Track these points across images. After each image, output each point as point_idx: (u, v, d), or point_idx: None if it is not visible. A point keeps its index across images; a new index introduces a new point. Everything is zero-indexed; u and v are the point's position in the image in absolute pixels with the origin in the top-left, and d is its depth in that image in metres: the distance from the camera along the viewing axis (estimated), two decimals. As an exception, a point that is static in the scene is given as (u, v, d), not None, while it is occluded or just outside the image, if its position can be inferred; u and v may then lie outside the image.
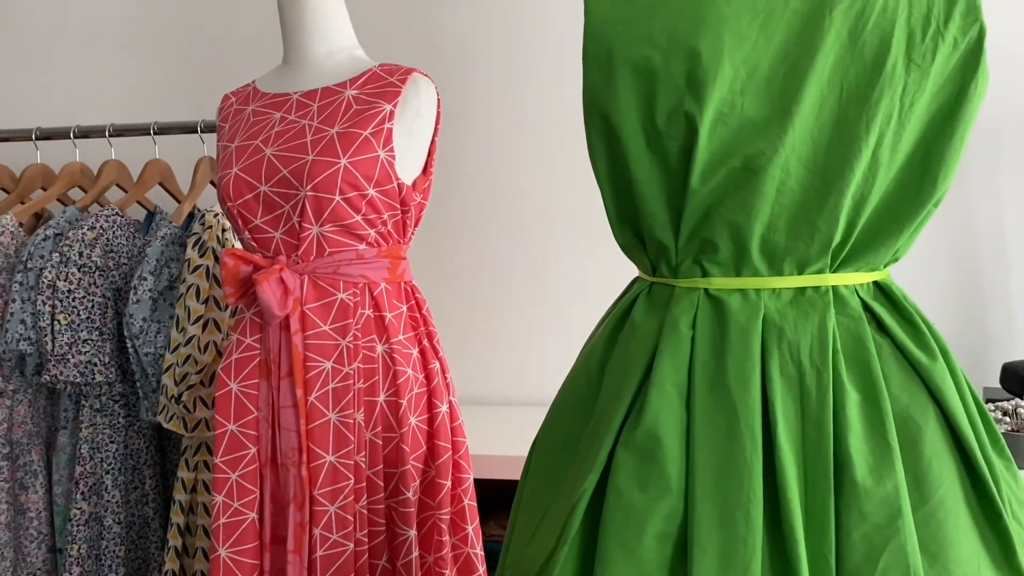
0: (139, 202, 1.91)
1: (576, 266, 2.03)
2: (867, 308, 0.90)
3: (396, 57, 1.80)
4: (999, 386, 1.81)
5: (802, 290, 0.90)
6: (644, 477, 0.86)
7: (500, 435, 1.78)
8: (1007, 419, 1.58)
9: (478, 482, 1.68)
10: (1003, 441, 0.96)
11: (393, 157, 1.34)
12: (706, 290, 0.91)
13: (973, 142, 1.93)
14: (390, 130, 1.33)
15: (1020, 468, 1.53)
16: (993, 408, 1.59)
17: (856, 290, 0.91)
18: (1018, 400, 1.59)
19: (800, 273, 0.90)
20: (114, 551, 1.72)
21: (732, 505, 0.83)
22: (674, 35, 0.87)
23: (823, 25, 0.86)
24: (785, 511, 0.83)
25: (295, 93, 1.41)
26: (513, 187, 2.06)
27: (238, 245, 1.62)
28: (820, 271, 0.90)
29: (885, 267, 0.93)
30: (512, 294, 2.08)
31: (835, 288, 0.90)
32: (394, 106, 1.35)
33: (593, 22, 0.91)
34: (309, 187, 1.30)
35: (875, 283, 0.92)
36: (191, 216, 1.78)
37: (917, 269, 1.96)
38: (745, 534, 0.82)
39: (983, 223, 1.95)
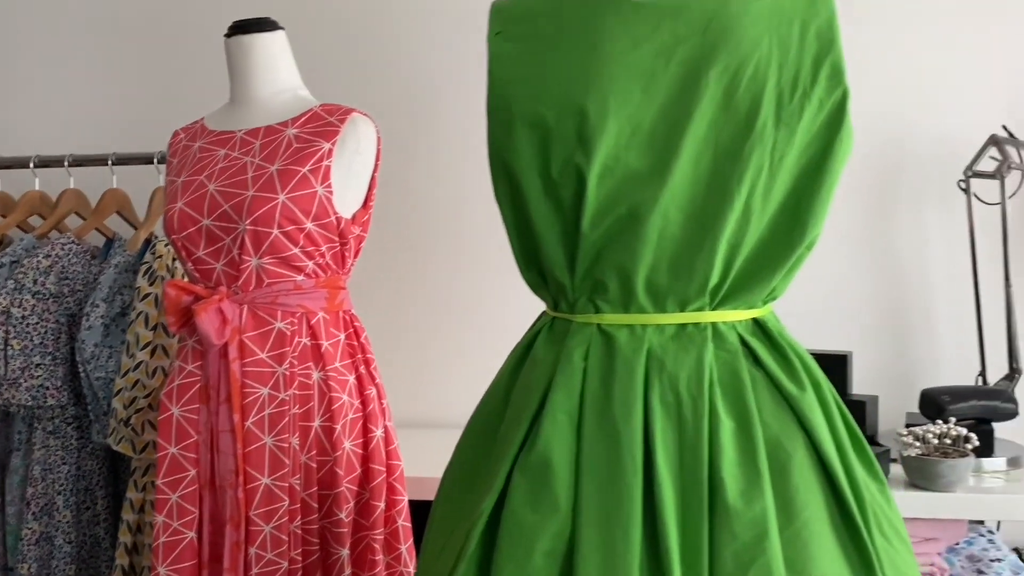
0: (98, 229, 1.98)
1: (512, 296, 2.10)
2: (744, 343, 0.99)
3: (343, 95, 1.88)
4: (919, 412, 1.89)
5: (684, 326, 0.98)
6: (536, 498, 0.94)
7: (439, 457, 1.84)
8: (918, 444, 1.66)
9: (417, 503, 1.74)
10: (877, 465, 1.04)
11: (331, 193, 1.41)
12: (599, 325, 0.99)
13: (899, 177, 2.04)
14: (328, 167, 1.41)
15: (941, 490, 1.62)
16: (907, 433, 1.67)
17: (735, 326, 0.99)
18: (928, 426, 1.67)
19: (682, 310, 0.98)
20: (64, 570, 1.77)
21: (613, 524, 0.91)
22: (565, 95, 0.96)
23: (700, 87, 0.95)
24: (661, 531, 0.90)
25: (239, 131, 1.48)
26: (457, 218, 2.14)
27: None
28: (700, 309, 0.98)
29: (764, 304, 1.02)
30: (452, 320, 2.15)
31: (714, 324, 0.98)
32: (332, 144, 1.43)
33: (494, 81, 0.99)
34: (248, 221, 1.37)
35: (754, 320, 1.01)
36: (147, 243, 1.85)
37: (845, 300, 2.05)
38: (624, 552, 0.90)
39: (907, 257, 2.05)
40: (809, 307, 2.05)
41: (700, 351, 0.96)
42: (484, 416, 1.06)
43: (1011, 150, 1.89)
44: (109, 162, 1.92)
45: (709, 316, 0.98)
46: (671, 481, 0.92)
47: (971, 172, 1.90)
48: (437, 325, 2.17)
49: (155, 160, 1.88)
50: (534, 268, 1.04)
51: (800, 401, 0.96)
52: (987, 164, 1.91)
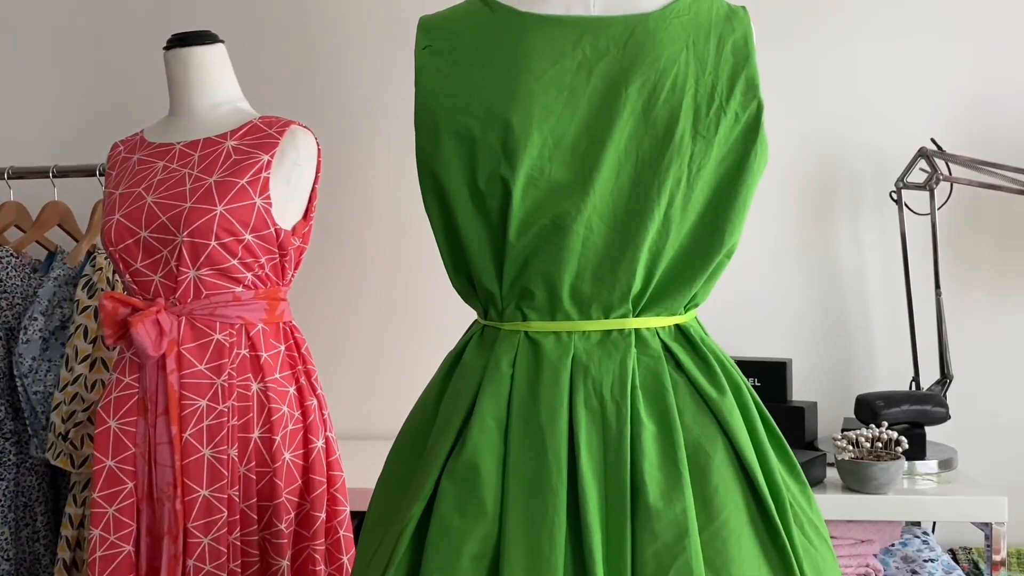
0: (39, 242, 1.96)
1: (461, 306, 2.13)
2: (667, 348, 1.01)
3: (286, 108, 1.89)
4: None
5: (608, 333, 1.00)
6: (463, 503, 0.95)
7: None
8: (852, 448, 1.71)
9: (360, 514, 1.75)
10: (799, 468, 1.07)
11: (270, 204, 1.42)
12: (526, 332, 1.02)
13: (834, 189, 2.10)
14: (267, 179, 1.42)
15: (874, 493, 1.66)
16: (841, 438, 1.72)
17: (658, 332, 1.02)
18: (861, 431, 1.72)
19: (606, 317, 1.00)
20: (2, 588, 1.74)
21: (539, 527, 0.93)
22: (490, 108, 0.98)
23: (620, 100, 0.97)
24: (585, 532, 0.92)
25: (178, 143, 1.49)
26: (399, 230, 2.15)
27: (128, 286, 1.67)
28: (624, 316, 1.00)
29: (687, 311, 1.05)
30: (399, 331, 2.16)
31: (638, 331, 1.01)
32: (271, 156, 1.44)
33: (421, 94, 1.01)
34: (186, 233, 1.37)
35: (677, 326, 1.04)
36: (88, 256, 1.83)
37: (784, 309, 2.10)
38: (549, 554, 0.92)
39: (844, 266, 2.10)
40: (749, 316, 2.10)
41: (624, 357, 0.99)
42: (415, 424, 1.07)
43: (940, 163, 1.95)
44: (50, 174, 1.90)
45: (632, 323, 1.01)
46: (595, 484, 0.94)
47: (902, 184, 1.97)
48: (379, 335, 2.17)
49: (97, 172, 1.87)
50: (463, 276, 1.06)
51: (720, 405, 0.99)
52: (918, 176, 1.97)
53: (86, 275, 1.70)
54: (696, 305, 1.05)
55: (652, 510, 0.93)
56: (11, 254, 1.80)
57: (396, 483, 1.05)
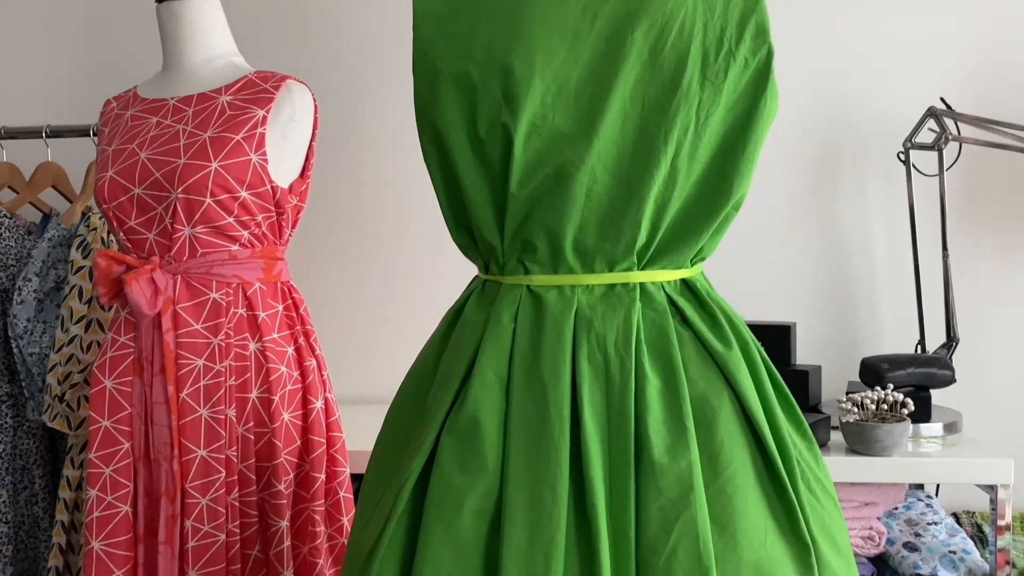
0: (34, 204, 1.93)
1: (463, 266, 2.10)
2: (672, 303, 0.99)
3: (283, 64, 1.85)
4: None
5: (612, 286, 0.98)
6: (464, 458, 0.93)
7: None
8: (857, 410, 1.69)
9: (360, 476, 1.73)
10: (806, 424, 1.05)
11: (266, 161, 1.39)
12: (528, 286, 0.99)
13: (841, 150, 2.06)
14: (263, 135, 1.39)
15: (878, 455, 1.65)
16: (846, 400, 1.70)
17: (663, 286, 0.99)
18: (866, 393, 1.70)
19: (610, 271, 0.98)
20: (1, 551, 1.73)
21: (540, 483, 0.91)
22: (490, 52, 0.95)
23: (625, 45, 0.94)
24: (588, 487, 0.90)
25: (172, 99, 1.45)
26: (403, 188, 2.12)
27: (123, 247, 1.65)
28: (628, 269, 0.98)
29: (693, 264, 1.02)
30: (399, 294, 2.14)
31: (642, 284, 0.98)
32: (267, 111, 1.40)
33: (419, 39, 0.98)
34: (180, 189, 1.34)
35: (682, 280, 1.01)
36: (83, 217, 1.81)
37: (789, 273, 2.07)
38: (551, 509, 0.90)
39: (849, 229, 2.07)
40: (753, 279, 2.07)
41: (628, 310, 0.96)
42: (415, 380, 1.05)
43: (949, 122, 1.92)
44: (44, 134, 1.87)
45: (637, 276, 0.98)
46: (598, 439, 0.92)
47: (910, 144, 1.93)
48: (378, 297, 2.15)
49: (91, 132, 1.84)
50: (464, 230, 1.03)
51: (726, 359, 0.97)
52: (926, 136, 1.93)
53: (80, 235, 1.68)
54: (703, 259, 1.03)
55: (657, 465, 0.91)
56: (4, 214, 1.78)
57: (396, 439, 1.03)
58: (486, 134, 0.96)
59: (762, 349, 1.04)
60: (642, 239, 0.97)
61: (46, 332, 1.67)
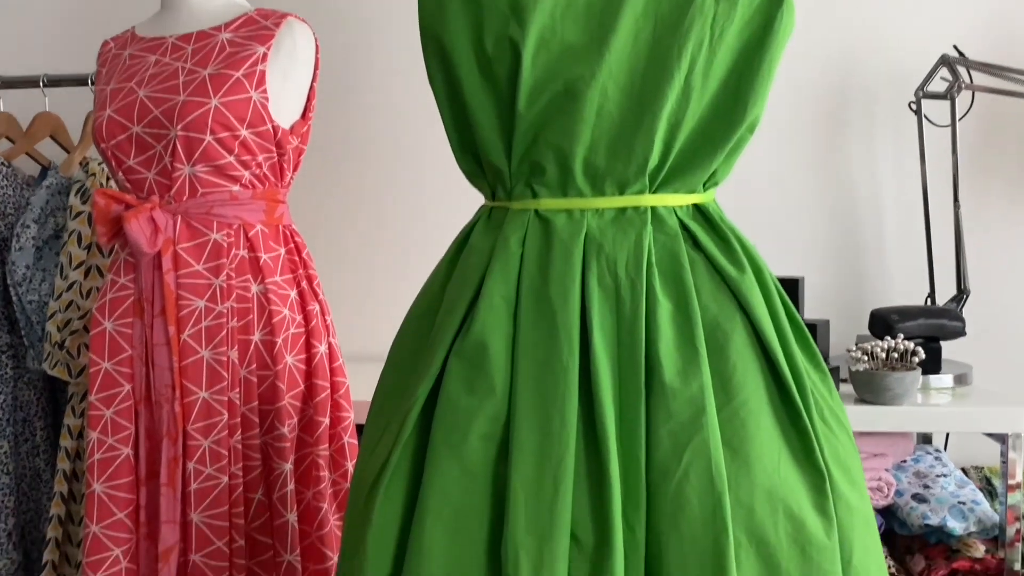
0: (32, 157, 1.90)
1: (459, 213, 2.07)
2: (684, 227, 0.96)
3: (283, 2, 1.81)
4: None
5: (623, 210, 0.95)
6: (471, 382, 0.91)
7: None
8: (866, 359, 1.67)
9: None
10: (820, 356, 1.03)
11: (266, 99, 1.36)
12: (536, 211, 0.97)
13: (850, 100, 2.03)
14: (263, 72, 1.36)
15: (888, 404, 1.62)
16: (856, 349, 1.68)
17: (675, 211, 0.97)
18: (877, 342, 1.68)
19: (621, 194, 0.95)
20: (3, 502, 1.72)
21: (549, 405, 0.89)
22: (498, -37, 0.91)
23: (637, -44, 0.91)
24: (598, 410, 0.88)
25: (170, 37, 1.42)
26: (411, 133, 2.08)
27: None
28: (640, 192, 0.95)
29: (706, 189, 1.00)
30: (407, 248, 2.11)
31: (654, 208, 0.96)
32: (267, 48, 1.37)
33: (424, -49, 0.95)
34: (180, 127, 1.32)
35: (695, 205, 0.99)
36: (82, 165, 1.78)
37: (797, 225, 2.05)
38: (560, 430, 0.88)
39: (859, 181, 2.04)
40: (760, 232, 2.03)
41: (639, 234, 0.94)
42: (421, 308, 1.03)
43: (962, 70, 1.88)
44: (41, 83, 1.84)
45: (648, 200, 0.96)
46: (608, 362, 0.90)
47: (922, 93, 1.90)
48: (388, 248, 2.11)
49: (89, 81, 1.81)
50: (470, 155, 1.01)
51: (739, 283, 0.94)
52: (938, 86, 1.90)
53: (79, 181, 1.65)
54: (716, 184, 1.00)
55: (668, 388, 0.89)
56: (3, 163, 1.75)
57: (401, 368, 1.01)
58: (493, 49, 0.93)
59: (775, 277, 1.02)
60: (654, 160, 0.94)
61: (45, 280, 1.65)
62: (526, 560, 0.85)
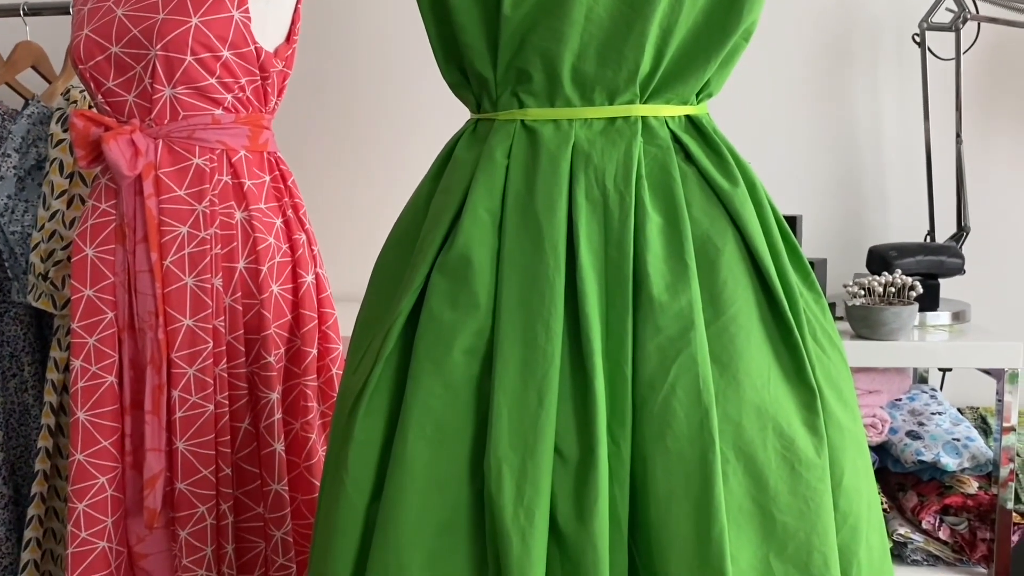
0: (13, 88, 1.85)
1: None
2: (676, 139, 0.93)
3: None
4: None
5: (612, 120, 0.92)
6: (455, 296, 0.89)
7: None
8: (863, 294, 1.64)
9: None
10: (813, 276, 1.01)
11: (248, 19, 1.32)
12: (522, 121, 0.93)
13: (852, 33, 1.97)
14: (245, -9, 1.31)
15: (885, 339, 1.60)
16: (853, 284, 1.65)
17: (667, 122, 0.94)
18: (874, 277, 1.65)
19: (610, 103, 0.92)
20: (-8, 437, 1.71)
21: (534, 319, 0.87)
22: None
23: None
24: (584, 324, 0.86)
25: (149, -45, 1.37)
26: (400, 64, 2.04)
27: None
28: (630, 102, 0.92)
29: (699, 100, 0.96)
30: (397, 186, 2.06)
31: (644, 119, 0.93)
32: (249, -33, 1.33)
33: None
34: (159, 46, 1.28)
35: (687, 116, 0.95)
36: (63, 96, 1.74)
37: (794, 162, 2.01)
38: (544, 344, 0.86)
39: (860, 116, 2.00)
40: (757, 169, 1.99)
41: (628, 145, 0.91)
42: (404, 224, 1.00)
43: (968, 1, 1.83)
44: (21, 12, 1.79)
45: (639, 110, 0.92)
46: (595, 275, 0.88)
47: (927, 24, 1.85)
48: (375, 190, 2.08)
49: (71, 10, 1.76)
50: (455, 64, 0.97)
51: (732, 196, 0.91)
52: (943, 17, 1.85)
53: (60, 108, 1.61)
54: (709, 95, 0.97)
55: (656, 302, 0.87)
56: (-18, 92, 1.71)
57: (385, 285, 0.99)
58: (477, -50, 0.89)
59: (770, 196, 0.99)
60: (645, 67, 0.90)
61: (28, 211, 1.62)
62: (509, 474, 0.83)
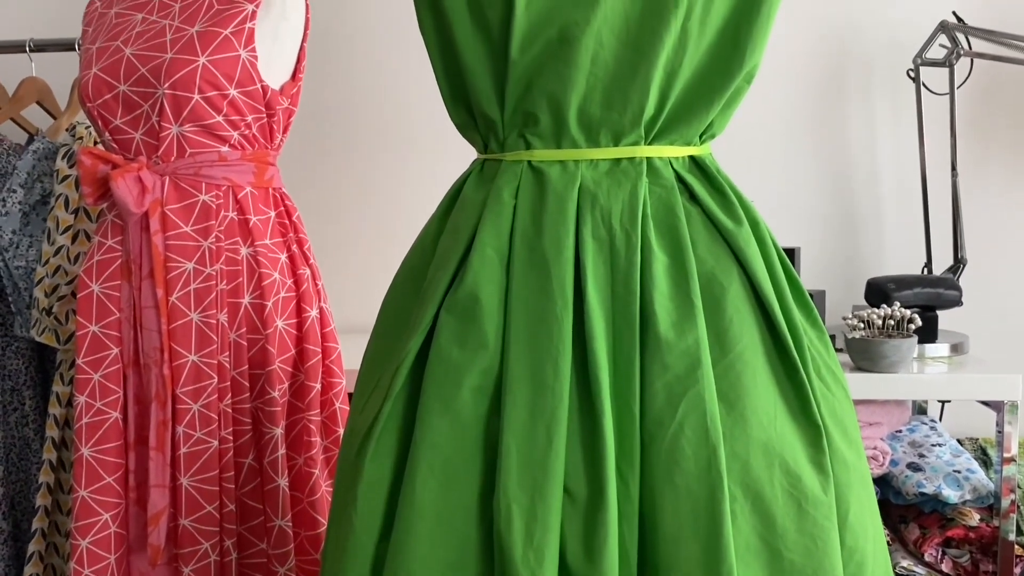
0: (18, 123, 1.87)
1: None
2: (680, 179, 0.95)
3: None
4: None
5: (618, 161, 0.94)
6: (463, 335, 0.90)
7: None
8: (862, 326, 1.66)
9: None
10: (816, 312, 1.02)
11: (255, 58, 1.34)
12: (529, 162, 0.95)
13: (847, 67, 2.01)
14: (252, 30, 1.33)
15: (884, 371, 1.61)
16: (853, 317, 1.67)
17: (671, 162, 0.95)
18: (873, 310, 1.67)
19: (616, 144, 0.93)
20: (-8, 472, 1.70)
21: (542, 358, 0.87)
22: (488, -96, 0.89)
23: (632, -103, 0.89)
24: (592, 362, 0.87)
25: (157, -5, 1.40)
26: (401, 95, 2.05)
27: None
28: (635, 143, 0.94)
29: (703, 141, 0.98)
30: (398, 219, 2.08)
31: (649, 160, 0.94)
32: (256, 6, 1.35)
33: None
34: (167, 85, 1.29)
35: (691, 157, 0.97)
36: (70, 129, 1.75)
37: (793, 195, 2.03)
38: (553, 383, 0.87)
39: (856, 150, 2.03)
40: (756, 201, 2.02)
41: (634, 185, 0.92)
42: (412, 262, 1.01)
43: (961, 37, 1.86)
44: (27, 48, 1.81)
45: (644, 151, 0.94)
46: (602, 314, 0.89)
47: (921, 60, 1.88)
48: (377, 224, 2.10)
49: (76, 46, 1.78)
50: (462, 105, 0.99)
51: (736, 235, 0.93)
52: (937, 52, 1.88)
53: (66, 145, 1.63)
54: (712, 136, 0.98)
55: (663, 341, 0.88)
56: (-12, 128, 1.72)
57: (393, 322, 0.99)
58: (485, -5, 0.91)
59: (773, 234, 1.00)
60: (650, 109, 0.92)
61: (32, 246, 1.63)
62: (518, 514, 0.84)
